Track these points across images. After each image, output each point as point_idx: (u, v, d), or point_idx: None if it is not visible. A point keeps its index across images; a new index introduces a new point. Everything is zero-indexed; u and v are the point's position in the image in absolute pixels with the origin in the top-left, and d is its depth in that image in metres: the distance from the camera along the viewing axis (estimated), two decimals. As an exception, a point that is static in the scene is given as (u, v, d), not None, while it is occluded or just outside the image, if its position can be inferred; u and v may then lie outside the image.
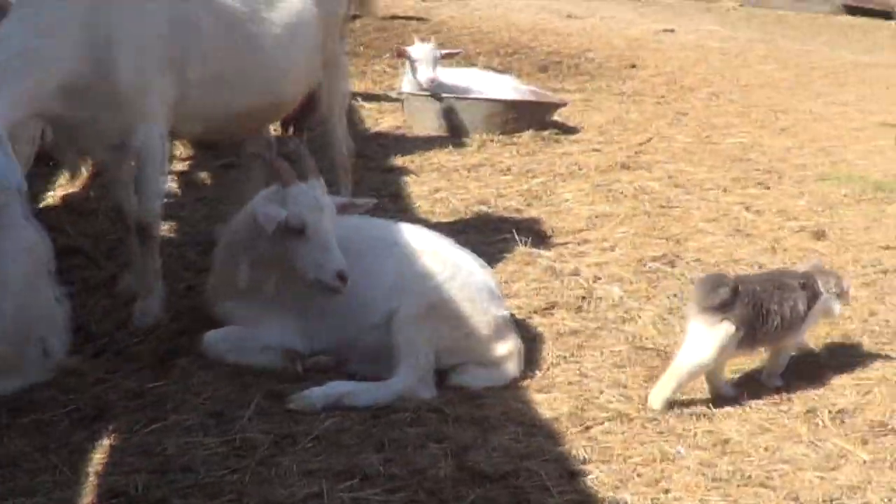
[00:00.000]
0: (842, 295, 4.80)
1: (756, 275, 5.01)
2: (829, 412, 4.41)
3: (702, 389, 4.49)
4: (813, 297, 4.66)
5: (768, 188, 7.54)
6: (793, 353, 4.71)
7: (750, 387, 4.57)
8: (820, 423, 4.33)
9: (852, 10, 23.52)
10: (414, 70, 8.40)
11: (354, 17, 9.86)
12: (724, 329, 4.34)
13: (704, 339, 4.35)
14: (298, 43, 5.24)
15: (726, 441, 4.13)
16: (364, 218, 4.87)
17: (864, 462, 4.08)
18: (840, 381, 4.72)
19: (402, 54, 8.69)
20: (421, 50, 8.36)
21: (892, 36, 20.25)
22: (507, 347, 4.49)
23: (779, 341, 4.61)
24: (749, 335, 4.43)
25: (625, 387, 4.45)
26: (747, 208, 6.97)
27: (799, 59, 14.66)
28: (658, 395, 4.34)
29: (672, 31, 15.93)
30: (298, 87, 5.45)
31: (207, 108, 5.01)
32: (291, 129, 6.09)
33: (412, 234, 4.71)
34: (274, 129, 6.24)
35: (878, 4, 23.58)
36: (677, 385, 4.35)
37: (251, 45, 5.06)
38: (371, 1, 13.38)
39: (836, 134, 9.79)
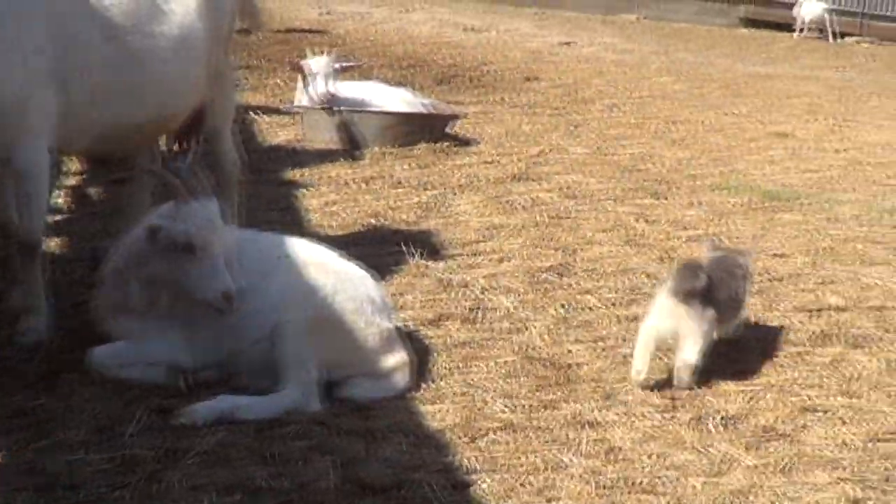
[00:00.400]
0: None
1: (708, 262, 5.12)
2: (717, 418, 4.46)
3: (592, 397, 4.53)
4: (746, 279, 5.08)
5: (661, 198, 7.63)
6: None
7: (637, 395, 4.62)
8: (707, 429, 4.39)
9: (751, 23, 23.95)
10: (309, 83, 8.36)
11: (245, 32, 9.75)
12: (711, 314, 4.70)
13: (691, 325, 4.67)
14: (184, 57, 5.14)
15: (614, 448, 4.15)
16: (252, 231, 4.84)
17: (751, 467, 4.13)
18: (728, 387, 4.78)
19: (297, 67, 8.65)
20: (317, 63, 8.33)
21: (789, 48, 20.66)
22: (395, 359, 4.48)
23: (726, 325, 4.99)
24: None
25: (513, 397, 4.45)
26: (640, 218, 7.04)
27: (695, 71, 14.89)
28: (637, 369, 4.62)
29: (571, 43, 16.07)
30: (186, 101, 5.34)
31: (94, 122, 4.90)
32: (181, 144, 6.01)
33: (299, 248, 4.67)
34: (164, 143, 6.17)
35: (777, 17, 24.03)
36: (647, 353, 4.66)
37: (136, 58, 4.95)
38: (257, 15, 13.27)
39: (729, 144, 9.95)
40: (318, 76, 8.27)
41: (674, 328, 4.73)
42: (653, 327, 4.76)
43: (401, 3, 19.08)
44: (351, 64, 9.29)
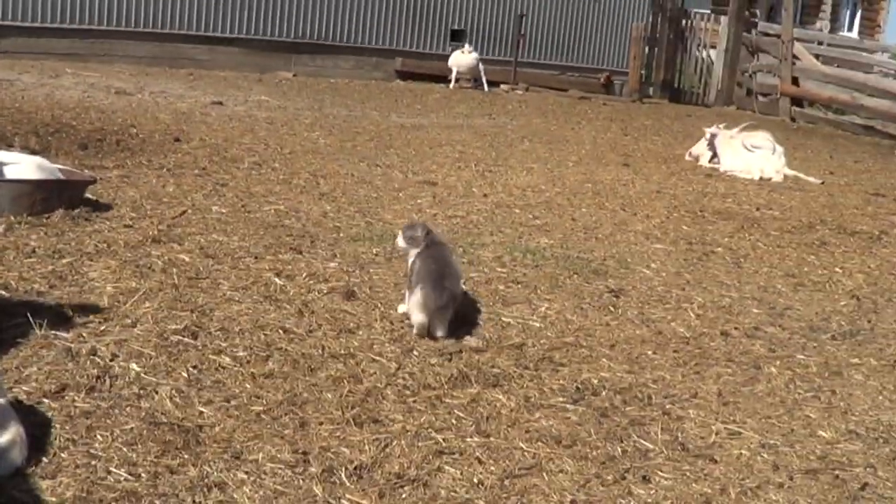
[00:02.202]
0: None
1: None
2: (348, 469, 4.45)
3: (220, 458, 4.42)
4: None
5: (300, 252, 7.62)
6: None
7: (266, 451, 4.55)
8: (337, 481, 4.37)
9: (407, 76, 24.58)
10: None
11: None
12: None
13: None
14: None
15: (236, 512, 4.08)
16: None
17: (380, 517, 4.13)
18: (361, 436, 4.78)
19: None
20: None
21: (443, 98, 21.30)
22: (7, 436, 4.25)
23: None
24: None
25: (136, 465, 4.28)
26: (278, 274, 6.98)
27: (347, 124, 15.09)
28: None
29: (221, 103, 15.99)
30: None
31: None
32: None
33: None
34: None
35: (429, 69, 24.75)
36: None
37: None
38: None
39: (375, 195, 10.09)
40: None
41: None
42: None
43: (52, 68, 18.55)
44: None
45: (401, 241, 6.41)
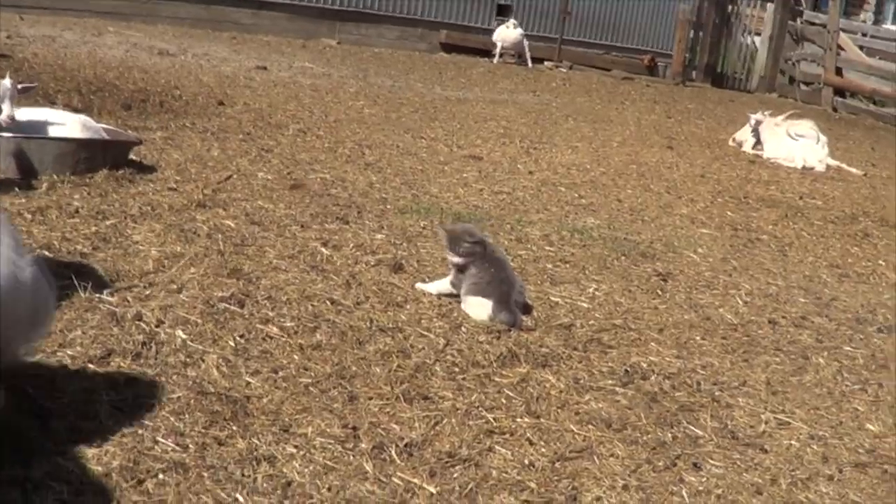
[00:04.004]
0: None
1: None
2: (398, 446, 4.38)
3: (269, 431, 4.35)
4: None
5: (349, 223, 7.54)
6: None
7: (316, 426, 4.47)
8: (388, 458, 4.30)
9: (451, 48, 24.45)
10: (-15, 108, 7.83)
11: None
12: None
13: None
14: None
15: (289, 484, 3.99)
16: None
17: (433, 495, 4.06)
18: (410, 413, 4.70)
19: (-31, 92, 8.10)
20: (-2, 87, 7.82)
21: (487, 72, 21.17)
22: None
23: None
24: None
25: (184, 435, 4.22)
26: (325, 244, 6.91)
27: (392, 95, 15.01)
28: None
29: (265, 68, 15.91)
30: None
31: None
32: None
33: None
34: None
35: (474, 43, 24.62)
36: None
37: None
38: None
39: (422, 168, 10.00)
40: (-2, 101, 7.76)
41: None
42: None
43: (94, 26, 18.50)
44: (29, 85, 8.76)
45: (454, 258, 6.11)
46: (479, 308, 5.98)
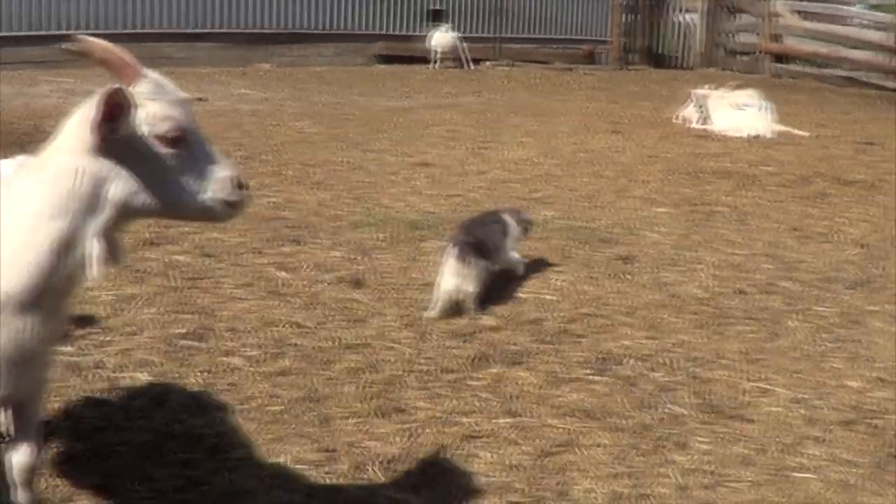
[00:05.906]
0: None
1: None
2: (377, 463, 4.29)
3: (244, 465, 4.24)
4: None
5: (302, 244, 7.42)
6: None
7: (291, 451, 4.37)
8: (368, 476, 4.20)
9: (388, 59, 24.36)
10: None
11: None
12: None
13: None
14: None
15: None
16: None
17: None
18: (387, 428, 4.63)
19: None
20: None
21: (425, 80, 21.06)
22: None
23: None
24: None
25: (154, 480, 4.08)
26: (281, 268, 6.80)
27: (334, 111, 14.89)
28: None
29: (205, 99, 15.73)
30: None
31: None
32: None
33: None
34: None
35: (411, 51, 24.54)
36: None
37: None
38: None
39: (370, 180, 9.89)
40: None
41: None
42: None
43: (29, 77, 18.31)
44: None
45: None
46: None
